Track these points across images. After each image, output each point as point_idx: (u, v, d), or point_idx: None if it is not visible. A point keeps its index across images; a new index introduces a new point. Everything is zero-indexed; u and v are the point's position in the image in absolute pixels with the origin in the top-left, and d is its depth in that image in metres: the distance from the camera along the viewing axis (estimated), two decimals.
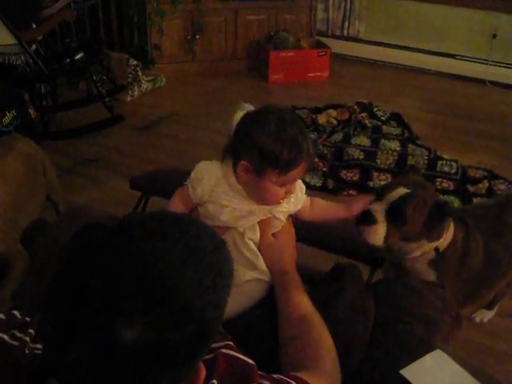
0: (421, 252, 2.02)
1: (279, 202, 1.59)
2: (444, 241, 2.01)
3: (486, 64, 5.85)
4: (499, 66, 5.83)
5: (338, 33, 6.49)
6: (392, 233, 1.86)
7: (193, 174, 1.62)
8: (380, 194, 1.88)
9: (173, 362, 0.82)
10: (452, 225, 2.03)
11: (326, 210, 1.77)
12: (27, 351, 1.06)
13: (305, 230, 1.75)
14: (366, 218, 1.83)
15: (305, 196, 1.70)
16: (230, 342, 1.21)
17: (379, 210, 1.85)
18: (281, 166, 1.46)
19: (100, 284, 0.80)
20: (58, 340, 0.82)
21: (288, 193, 1.56)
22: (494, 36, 5.76)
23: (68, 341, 0.80)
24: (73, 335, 0.80)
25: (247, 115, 1.56)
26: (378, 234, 1.84)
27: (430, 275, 2.03)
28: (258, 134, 1.46)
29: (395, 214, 1.84)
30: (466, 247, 2.08)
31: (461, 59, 6.00)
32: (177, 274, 0.83)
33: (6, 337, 1.08)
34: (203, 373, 0.93)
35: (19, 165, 2.49)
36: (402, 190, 1.87)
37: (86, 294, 0.81)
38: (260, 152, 1.46)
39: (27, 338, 1.09)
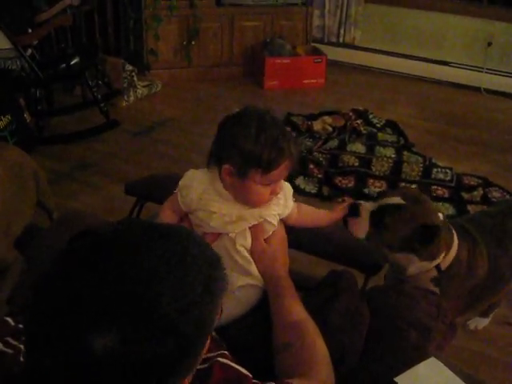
0: (417, 270, 2.01)
1: (265, 203, 1.58)
2: (446, 260, 2.00)
3: (481, 72, 5.87)
4: (494, 74, 5.84)
5: (333, 40, 6.50)
6: (374, 234, 1.91)
7: (181, 183, 1.62)
8: (378, 196, 1.91)
9: (147, 378, 0.80)
10: (456, 243, 2.02)
11: (311, 215, 1.78)
12: (22, 359, 1.04)
13: (299, 236, 1.75)
14: (352, 211, 1.87)
15: (293, 201, 1.70)
16: (225, 352, 1.20)
17: (366, 207, 1.91)
18: (263, 167, 1.46)
19: (78, 292, 0.79)
20: (34, 346, 0.81)
21: (273, 193, 1.56)
22: (490, 44, 5.78)
23: (43, 348, 0.79)
24: (48, 342, 0.79)
25: (226, 118, 1.55)
26: (359, 228, 1.90)
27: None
28: (238, 136, 1.47)
29: (377, 218, 1.89)
30: (472, 262, 2.07)
31: (456, 67, 6.02)
32: (156, 285, 0.81)
33: None
34: None
35: (6, 173, 2.50)
36: (395, 199, 1.92)
37: (63, 302, 0.79)
38: (241, 154, 1.46)
39: (21, 346, 1.07)
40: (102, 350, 0.76)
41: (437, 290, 2.02)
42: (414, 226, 1.88)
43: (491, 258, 2.13)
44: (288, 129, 4.61)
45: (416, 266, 2.00)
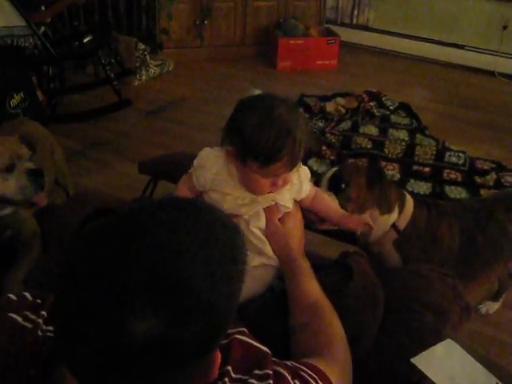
0: (379, 230, 2.05)
1: (265, 194, 1.55)
2: (401, 219, 2.07)
3: (496, 55, 5.83)
4: (509, 58, 5.80)
5: (347, 21, 6.46)
6: (344, 203, 1.94)
7: (195, 162, 1.60)
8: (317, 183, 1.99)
9: (184, 356, 0.80)
10: (410, 203, 2.10)
11: (326, 206, 1.75)
12: (40, 333, 1.05)
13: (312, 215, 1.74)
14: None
15: (310, 185, 1.67)
16: (244, 329, 1.20)
17: (323, 182, 2.02)
18: (260, 160, 1.43)
19: (110, 276, 0.78)
20: (68, 331, 0.81)
21: (274, 185, 1.51)
22: (505, 27, 5.74)
23: (78, 332, 0.79)
24: (83, 327, 0.78)
25: (241, 101, 1.52)
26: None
27: (395, 257, 2.08)
28: (244, 123, 1.44)
29: (335, 183, 1.98)
30: (435, 230, 2.12)
31: (471, 50, 5.97)
32: (188, 265, 0.80)
33: (18, 318, 1.07)
34: (219, 359, 0.91)
35: (26, 147, 2.48)
36: (332, 169, 2.06)
37: (96, 286, 0.78)
38: (242, 141, 1.44)
39: (40, 320, 1.08)
40: (141, 335, 0.76)
41: (398, 255, 2.08)
42: (365, 172, 2.02)
43: (464, 232, 2.16)
44: (300, 110, 4.60)
45: (378, 225, 2.03)
